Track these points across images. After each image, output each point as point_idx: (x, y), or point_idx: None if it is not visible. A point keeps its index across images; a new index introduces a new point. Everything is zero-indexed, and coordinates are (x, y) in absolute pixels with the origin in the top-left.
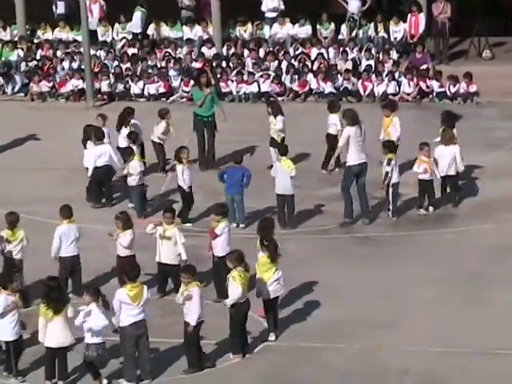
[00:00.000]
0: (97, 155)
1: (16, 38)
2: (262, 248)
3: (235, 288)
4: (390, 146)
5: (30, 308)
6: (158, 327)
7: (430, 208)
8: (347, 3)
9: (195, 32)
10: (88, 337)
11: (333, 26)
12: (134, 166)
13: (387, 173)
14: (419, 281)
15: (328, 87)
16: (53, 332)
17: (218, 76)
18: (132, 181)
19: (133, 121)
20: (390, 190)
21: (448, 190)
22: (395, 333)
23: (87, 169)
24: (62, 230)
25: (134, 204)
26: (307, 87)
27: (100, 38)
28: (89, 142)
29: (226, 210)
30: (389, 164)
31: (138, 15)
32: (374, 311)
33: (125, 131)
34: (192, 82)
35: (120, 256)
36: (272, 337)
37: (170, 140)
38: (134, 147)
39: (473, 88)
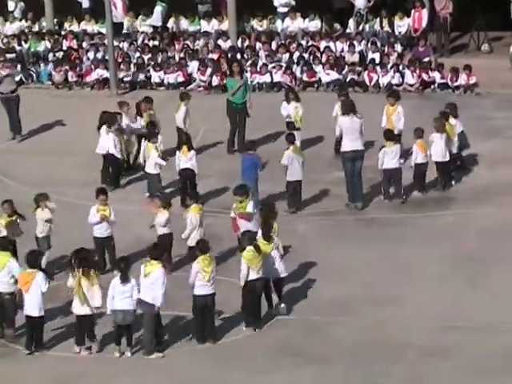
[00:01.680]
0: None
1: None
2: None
3: (242, 266)
4: (388, 135)
5: (57, 282)
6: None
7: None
8: None
9: (212, 25)
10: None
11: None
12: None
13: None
14: (421, 260)
15: (335, 74)
16: (76, 301)
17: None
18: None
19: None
20: (382, 174)
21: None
22: (399, 309)
23: (109, 155)
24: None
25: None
26: (316, 77)
27: (124, 31)
28: (103, 127)
29: (246, 190)
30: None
31: (158, 10)
32: (379, 289)
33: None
34: (208, 71)
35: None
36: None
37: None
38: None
39: (472, 80)
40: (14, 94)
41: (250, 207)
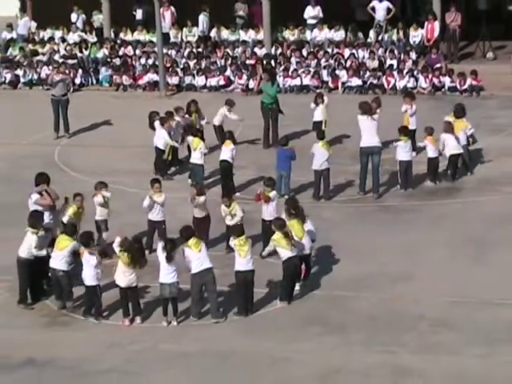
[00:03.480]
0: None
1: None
2: (290, 216)
3: (270, 244)
4: (404, 131)
5: (113, 260)
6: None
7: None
8: (375, 12)
9: (249, 35)
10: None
11: (360, 34)
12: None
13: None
14: (432, 242)
15: (356, 81)
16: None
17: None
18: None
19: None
20: (398, 166)
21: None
22: (412, 285)
23: (156, 148)
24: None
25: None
26: (339, 82)
27: (172, 40)
28: (156, 123)
29: (274, 183)
30: (395, 144)
31: (201, 18)
32: (394, 267)
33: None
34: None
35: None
36: (297, 286)
37: (226, 123)
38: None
39: (478, 83)
40: (65, 97)
41: (272, 194)
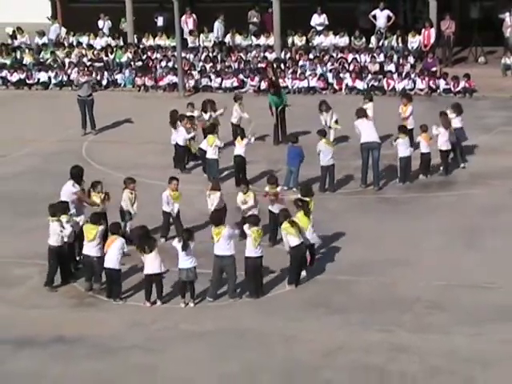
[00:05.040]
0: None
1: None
2: (297, 208)
3: (283, 235)
4: (402, 129)
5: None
6: None
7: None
8: (376, 20)
9: (261, 40)
10: (180, 263)
11: (364, 39)
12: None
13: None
14: (427, 230)
15: (359, 84)
16: (147, 264)
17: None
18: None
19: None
20: (398, 162)
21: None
22: (409, 270)
23: (177, 145)
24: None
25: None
26: (343, 84)
27: (190, 45)
28: (178, 123)
29: (276, 179)
30: (395, 141)
31: (217, 25)
32: (393, 253)
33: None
34: (257, 78)
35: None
36: (303, 273)
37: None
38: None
39: (471, 85)
40: (90, 98)
41: (278, 189)
